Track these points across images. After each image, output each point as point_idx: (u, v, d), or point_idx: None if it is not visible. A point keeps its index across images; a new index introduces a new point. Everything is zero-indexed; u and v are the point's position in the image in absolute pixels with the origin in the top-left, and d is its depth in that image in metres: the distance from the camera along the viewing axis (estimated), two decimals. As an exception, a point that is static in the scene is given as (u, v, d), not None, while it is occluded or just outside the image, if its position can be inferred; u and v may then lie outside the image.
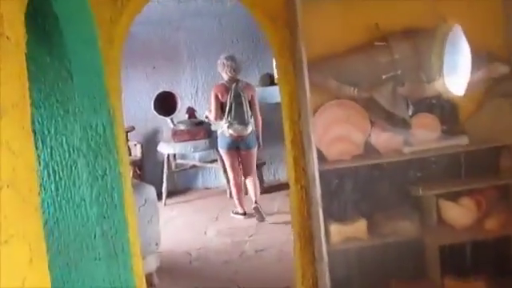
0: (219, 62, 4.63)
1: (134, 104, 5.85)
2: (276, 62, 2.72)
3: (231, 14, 5.51)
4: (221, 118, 4.46)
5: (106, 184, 2.39)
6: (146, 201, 2.88)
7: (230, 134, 4.41)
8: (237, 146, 4.55)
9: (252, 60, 5.69)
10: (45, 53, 2.26)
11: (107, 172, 2.38)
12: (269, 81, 5.54)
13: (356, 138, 2.35)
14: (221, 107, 4.46)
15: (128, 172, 2.56)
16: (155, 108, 5.09)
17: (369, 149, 2.39)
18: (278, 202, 4.95)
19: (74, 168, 2.34)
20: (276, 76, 5.35)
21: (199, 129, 5.05)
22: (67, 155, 2.32)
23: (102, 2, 2.32)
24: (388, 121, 2.28)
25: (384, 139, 2.36)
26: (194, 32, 5.66)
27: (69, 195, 2.36)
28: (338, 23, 2.28)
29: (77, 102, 2.30)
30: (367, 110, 2.31)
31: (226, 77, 4.63)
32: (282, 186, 5.52)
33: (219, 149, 4.62)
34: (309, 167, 2.21)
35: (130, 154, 5.58)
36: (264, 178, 5.51)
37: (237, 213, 4.70)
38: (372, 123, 2.35)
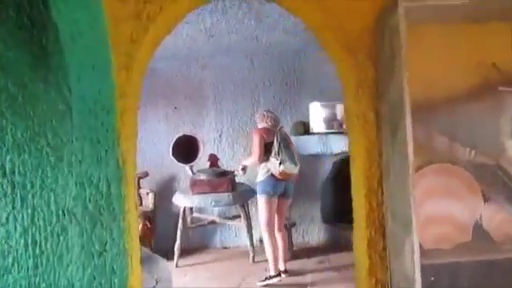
0: (259, 114, 4.22)
1: (150, 147, 5.26)
2: (347, 107, 2.08)
3: (265, 53, 4.96)
4: (264, 160, 3.98)
5: (105, 264, 1.70)
6: (157, 282, 2.18)
7: (280, 173, 3.90)
8: (280, 193, 4.05)
9: (284, 105, 5.09)
10: (38, 78, 1.64)
11: (107, 247, 1.70)
12: (302, 129, 4.90)
13: (462, 218, 1.65)
14: (265, 148, 3.99)
15: (137, 247, 1.87)
16: (173, 153, 4.45)
17: (479, 235, 1.68)
18: (312, 275, 4.17)
19: (62, 239, 1.67)
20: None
21: (222, 180, 4.38)
22: (54, 220, 1.65)
23: (120, 14, 1.72)
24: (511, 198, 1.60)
25: (501, 222, 1.65)
26: (223, 71, 5.11)
27: (51, 277, 1.68)
28: (442, 57, 1.65)
29: (75, 146, 1.66)
30: (479, 181, 1.63)
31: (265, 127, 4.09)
32: (312, 252, 4.77)
33: (260, 195, 3.99)
34: (402, 260, 1.51)
35: (141, 204, 4.90)
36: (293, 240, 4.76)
37: (269, 277, 3.95)
38: (485, 199, 1.66)
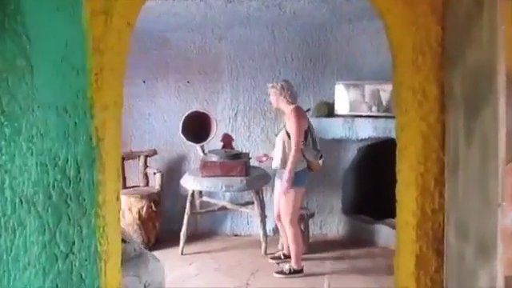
0: (278, 85, 3.64)
1: (160, 123, 4.87)
2: (399, 79, 1.61)
3: (288, 24, 4.49)
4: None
5: (71, 269, 1.32)
6: (145, 287, 1.80)
7: (319, 166, 3.73)
8: None
9: (307, 84, 4.62)
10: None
11: (75, 249, 1.31)
12: (326, 111, 4.43)
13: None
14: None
15: (115, 250, 1.47)
16: (183, 131, 4.05)
17: None
18: (329, 279, 3.76)
19: (18, 234, 1.28)
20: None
21: (235, 163, 3.97)
22: (9, 210, 1.27)
23: None
24: None
25: None
26: (241, 43, 4.66)
27: (4, 282, 1.30)
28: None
29: (36, 116, 1.26)
30: None
31: (283, 104, 3.62)
32: (330, 245, 4.36)
33: (298, 187, 3.58)
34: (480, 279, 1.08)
35: (148, 184, 4.54)
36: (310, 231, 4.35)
37: (293, 271, 3.59)
38: None
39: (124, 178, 4.49)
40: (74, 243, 1.30)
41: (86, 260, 1.29)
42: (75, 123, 1.27)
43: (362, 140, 4.36)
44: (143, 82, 4.84)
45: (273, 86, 3.64)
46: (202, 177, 3.97)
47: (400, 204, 1.55)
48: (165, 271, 2.13)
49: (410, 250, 1.37)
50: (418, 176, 1.33)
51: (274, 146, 3.73)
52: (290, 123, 3.55)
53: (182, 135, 4.06)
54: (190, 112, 4.09)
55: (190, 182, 3.99)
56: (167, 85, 4.81)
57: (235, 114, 4.75)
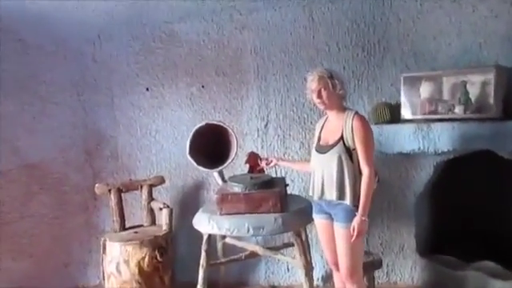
0: (327, 72, 2.47)
1: (169, 141, 3.81)
2: None
3: (330, 1, 3.33)
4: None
5: None
6: None
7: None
8: None
9: (359, 80, 3.43)
10: None
11: None
12: (388, 115, 3.22)
13: None
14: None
15: None
16: (192, 152, 2.96)
17: None
18: None
19: None
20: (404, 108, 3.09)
21: (267, 194, 2.82)
22: None
23: None
24: None
25: None
26: (269, 32, 3.54)
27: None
28: None
29: None
30: None
31: (337, 104, 2.50)
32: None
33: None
34: None
35: (154, 223, 3.47)
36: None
37: None
38: None
39: (122, 218, 3.44)
40: None
41: None
42: None
43: (441, 153, 3.12)
44: (146, 90, 3.80)
45: (321, 76, 2.48)
46: (221, 215, 2.84)
47: None
48: None
49: None
50: None
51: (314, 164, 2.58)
52: (360, 135, 2.39)
53: (189, 158, 2.95)
54: (199, 126, 2.98)
55: (203, 223, 2.86)
56: (177, 92, 3.74)
57: (265, 125, 3.62)
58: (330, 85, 2.44)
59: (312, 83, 2.48)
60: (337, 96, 2.46)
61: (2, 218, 3.49)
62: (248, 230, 2.75)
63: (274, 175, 3.40)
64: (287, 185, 3.15)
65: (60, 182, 3.80)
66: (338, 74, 2.51)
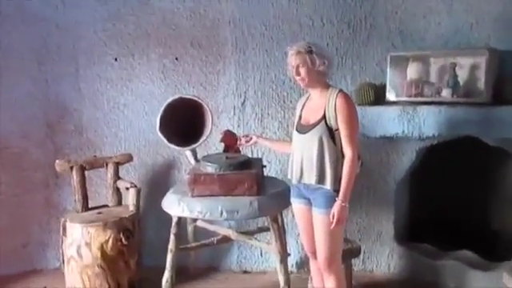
0: (308, 47, 2.25)
1: (139, 117, 3.56)
2: None
3: (318, -30, 3.12)
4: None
5: None
6: None
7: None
8: None
9: (344, 58, 3.24)
10: None
11: None
12: (372, 96, 3.06)
13: None
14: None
15: None
16: (162, 128, 2.73)
17: None
18: None
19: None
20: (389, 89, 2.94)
21: (242, 175, 2.63)
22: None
23: None
24: None
25: None
26: (249, 2, 3.30)
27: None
28: None
29: None
30: None
31: (321, 81, 2.31)
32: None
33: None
34: None
35: (120, 204, 3.24)
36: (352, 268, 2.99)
37: None
38: None
39: (85, 197, 3.19)
40: None
41: None
42: None
43: (425, 138, 2.99)
44: (115, 60, 3.51)
45: (298, 51, 2.28)
46: (193, 197, 2.63)
47: None
48: None
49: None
50: None
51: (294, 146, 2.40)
52: (343, 114, 2.21)
53: (160, 134, 2.72)
54: (172, 99, 2.74)
55: (173, 206, 2.65)
56: (148, 63, 3.47)
57: (243, 103, 3.40)
58: (308, 61, 2.24)
59: (291, 58, 2.29)
60: (317, 73, 2.27)
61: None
62: (221, 214, 2.56)
63: (250, 156, 3.21)
64: (264, 166, 2.98)
65: (18, 158, 3.50)
66: (321, 49, 2.30)
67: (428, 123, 2.88)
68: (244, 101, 3.39)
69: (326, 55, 2.29)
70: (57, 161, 3.16)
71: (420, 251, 3.24)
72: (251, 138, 2.75)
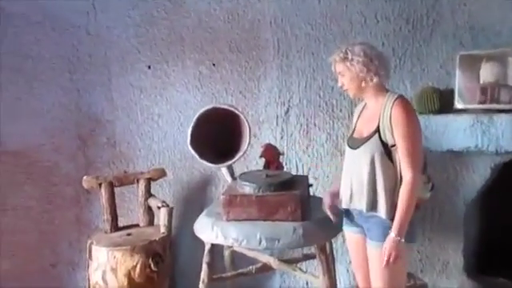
0: (357, 49, 1.89)
1: (173, 128, 3.29)
2: None
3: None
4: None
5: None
6: None
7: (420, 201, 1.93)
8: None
9: (402, 59, 2.82)
10: None
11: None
12: (437, 103, 2.62)
13: None
14: None
15: None
16: (194, 142, 2.42)
17: None
18: None
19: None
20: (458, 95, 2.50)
21: (285, 197, 2.26)
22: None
23: None
24: None
25: None
26: (292, 1, 2.95)
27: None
28: None
29: None
30: None
31: (373, 88, 1.92)
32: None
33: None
34: None
35: (152, 224, 2.97)
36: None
37: None
38: None
39: (114, 216, 2.94)
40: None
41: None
42: None
43: (503, 153, 2.50)
44: (148, 68, 3.27)
45: (335, 60, 1.93)
46: (227, 221, 2.30)
47: None
48: None
49: None
50: None
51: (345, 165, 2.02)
52: (401, 126, 1.81)
53: (191, 149, 2.41)
54: (205, 109, 2.43)
55: (206, 231, 2.33)
56: (183, 70, 3.21)
57: (286, 112, 3.06)
58: (347, 68, 1.89)
59: (333, 67, 1.99)
60: (363, 80, 1.89)
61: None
62: (260, 242, 2.20)
63: (294, 172, 2.84)
64: (311, 185, 2.60)
65: (49, 172, 3.32)
66: (376, 53, 1.91)
67: (507, 135, 2.41)
68: (288, 110, 3.04)
69: (375, 57, 1.89)
70: (84, 177, 2.93)
71: (495, 286, 2.74)
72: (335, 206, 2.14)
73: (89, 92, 3.35)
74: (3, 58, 3.13)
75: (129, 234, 2.82)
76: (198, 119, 2.42)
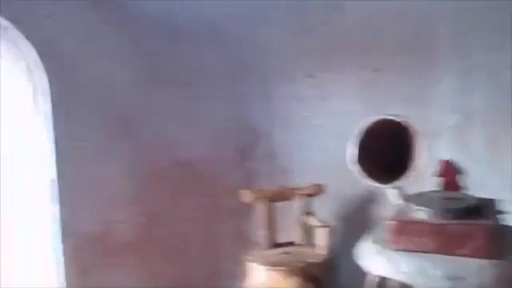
0: None
1: (334, 141, 3.06)
2: None
3: None
4: None
5: None
6: None
7: None
8: None
9: None
10: None
11: None
12: None
13: None
14: None
15: None
16: (361, 160, 2.16)
17: None
18: None
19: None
20: None
21: (470, 226, 1.85)
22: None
23: None
24: None
25: None
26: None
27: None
28: None
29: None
30: None
31: None
32: None
33: None
34: None
35: (310, 242, 2.78)
36: None
37: None
38: None
39: (272, 232, 2.85)
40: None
41: None
42: None
43: None
44: (308, 77, 3.12)
45: None
46: (395, 250, 1.98)
47: None
48: None
49: None
50: None
51: None
52: None
53: (359, 168, 2.15)
54: (369, 122, 2.15)
55: (369, 259, 2.04)
56: (344, 78, 2.98)
57: (466, 122, 2.59)
58: None
59: None
60: None
61: (153, 218, 3.25)
62: (441, 278, 1.83)
63: (478, 194, 2.37)
64: (502, 212, 2.11)
65: (212, 183, 3.40)
66: None
67: None
68: (468, 119, 2.57)
69: None
70: (242, 191, 2.91)
71: None
72: None
73: (249, 103, 3.35)
74: (174, 74, 3.28)
75: (286, 253, 2.69)
76: (363, 133, 2.15)
